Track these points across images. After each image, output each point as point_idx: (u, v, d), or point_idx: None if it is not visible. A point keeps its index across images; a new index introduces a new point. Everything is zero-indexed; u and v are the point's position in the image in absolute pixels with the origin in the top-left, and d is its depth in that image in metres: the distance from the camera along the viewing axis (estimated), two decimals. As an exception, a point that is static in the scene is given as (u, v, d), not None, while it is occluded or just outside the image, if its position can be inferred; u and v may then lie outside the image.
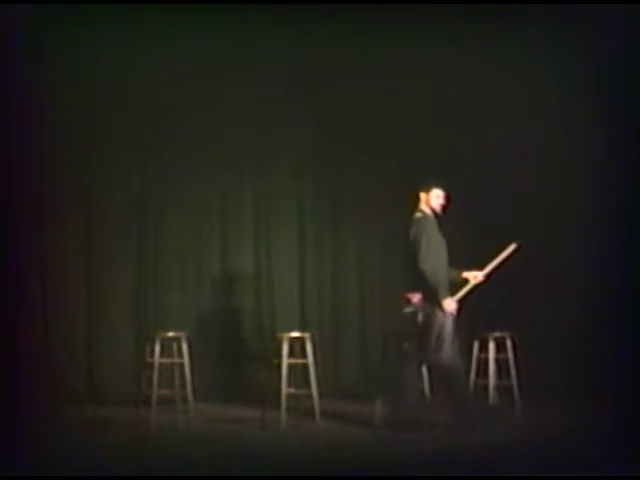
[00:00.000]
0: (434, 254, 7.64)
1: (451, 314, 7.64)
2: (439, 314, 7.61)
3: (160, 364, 8.02)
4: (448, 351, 7.61)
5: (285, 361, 8.00)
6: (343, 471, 6.30)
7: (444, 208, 7.84)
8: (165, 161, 9.83)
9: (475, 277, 7.85)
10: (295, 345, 8.35)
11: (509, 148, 9.85)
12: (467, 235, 9.37)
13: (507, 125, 9.79)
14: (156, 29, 9.21)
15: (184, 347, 8.15)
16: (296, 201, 10.18)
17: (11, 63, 8.83)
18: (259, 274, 10.07)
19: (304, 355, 8.17)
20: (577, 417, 8.13)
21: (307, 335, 8.19)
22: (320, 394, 8.13)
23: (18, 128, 9.07)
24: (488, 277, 7.90)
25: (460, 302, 7.74)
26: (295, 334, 8.24)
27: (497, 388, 8.50)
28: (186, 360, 8.13)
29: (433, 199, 7.80)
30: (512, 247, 7.86)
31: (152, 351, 8.05)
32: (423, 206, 7.83)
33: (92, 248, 9.65)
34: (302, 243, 10.18)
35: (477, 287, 7.87)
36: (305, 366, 8.14)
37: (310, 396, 8.06)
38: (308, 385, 8.09)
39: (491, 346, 8.46)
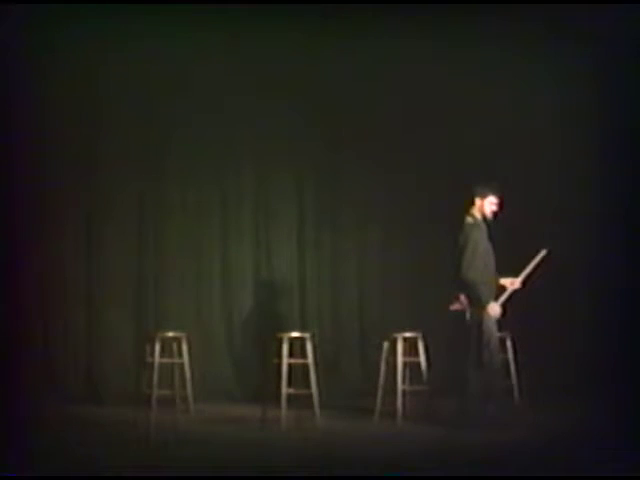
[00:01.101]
0: (479, 262, 7.74)
1: (495, 318, 7.73)
2: (485, 317, 7.70)
3: (160, 364, 8.02)
4: (487, 354, 7.68)
5: (285, 361, 8.00)
6: (343, 471, 6.30)
7: (495, 214, 7.95)
8: (165, 162, 9.83)
9: (512, 283, 7.93)
10: (295, 345, 8.36)
11: (507, 147, 9.88)
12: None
13: (504, 123, 9.83)
14: (156, 29, 9.22)
15: (184, 347, 8.15)
16: (296, 201, 10.17)
17: (12, 63, 8.83)
18: (259, 274, 10.07)
19: (304, 355, 8.17)
20: (577, 417, 8.13)
21: (307, 335, 8.19)
22: (320, 394, 8.13)
23: (19, 128, 9.07)
24: (524, 283, 7.97)
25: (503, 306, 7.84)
26: (295, 334, 8.24)
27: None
28: (186, 360, 8.13)
29: (487, 205, 7.93)
30: (543, 253, 7.93)
31: (152, 351, 8.05)
32: (475, 211, 7.92)
33: (92, 248, 9.65)
34: (302, 243, 10.17)
35: (515, 292, 7.95)
36: (305, 366, 8.14)
37: (310, 396, 8.05)
38: (308, 385, 8.08)
39: (491, 346, 8.45)
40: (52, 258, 9.45)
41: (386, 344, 8.36)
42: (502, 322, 7.98)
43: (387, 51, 9.69)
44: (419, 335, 8.27)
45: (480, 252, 7.76)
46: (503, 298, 7.86)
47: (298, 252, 10.16)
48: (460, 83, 9.77)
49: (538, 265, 7.95)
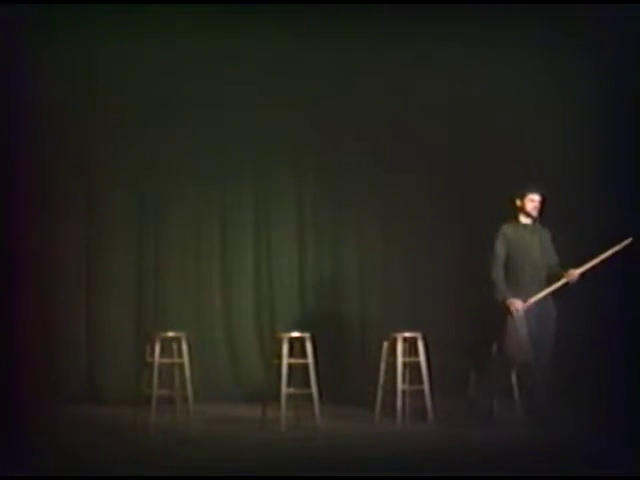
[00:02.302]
0: (496, 261, 7.95)
1: (517, 315, 7.81)
2: (509, 315, 7.82)
3: (160, 364, 8.02)
4: (510, 349, 7.79)
5: (285, 361, 8.00)
6: (343, 471, 6.29)
7: (540, 211, 8.11)
8: (165, 161, 9.84)
9: (569, 275, 8.02)
10: (295, 345, 8.35)
11: (507, 147, 9.88)
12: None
13: (504, 122, 9.84)
14: (156, 29, 9.22)
15: (184, 347, 8.14)
16: (296, 201, 10.17)
17: (11, 63, 8.82)
18: (259, 274, 10.07)
19: (304, 355, 8.17)
20: (578, 417, 8.12)
21: (307, 335, 8.19)
22: (320, 394, 8.12)
23: (18, 128, 9.06)
24: (583, 275, 8.07)
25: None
26: (295, 334, 8.23)
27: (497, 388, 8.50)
28: (186, 360, 8.13)
29: (528, 204, 8.09)
30: (626, 242, 8.05)
31: (152, 351, 8.05)
32: (519, 213, 8.10)
33: (92, 248, 9.66)
34: (302, 243, 10.17)
35: (567, 285, 8.03)
36: (305, 366, 8.14)
37: (310, 396, 8.05)
38: (308, 385, 8.08)
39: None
40: (52, 257, 9.45)
41: (386, 344, 8.36)
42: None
43: (388, 50, 9.69)
44: (419, 335, 8.27)
45: (498, 251, 7.95)
46: (534, 298, 7.89)
47: (298, 252, 10.16)
48: (460, 82, 9.77)
49: (611, 255, 8.05)
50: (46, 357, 9.38)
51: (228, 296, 9.99)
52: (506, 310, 7.81)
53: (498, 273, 7.92)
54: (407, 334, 8.27)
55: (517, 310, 7.80)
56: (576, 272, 8.00)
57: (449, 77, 9.79)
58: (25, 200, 9.19)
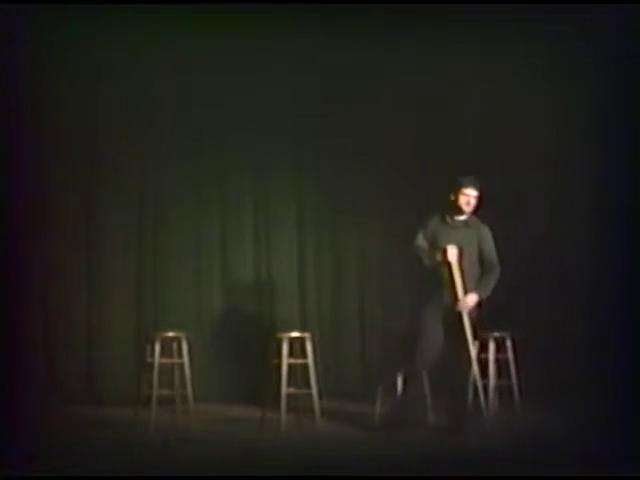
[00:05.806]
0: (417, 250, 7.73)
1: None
2: None
3: (160, 364, 8.02)
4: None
5: (285, 361, 8.00)
6: (343, 471, 6.30)
7: (477, 207, 7.75)
8: (165, 161, 9.84)
9: (463, 304, 7.68)
10: (295, 345, 8.35)
11: (507, 146, 9.89)
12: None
13: (504, 122, 9.85)
14: (157, 29, 9.22)
15: (184, 347, 8.15)
16: (296, 202, 10.18)
17: (12, 63, 8.83)
18: (259, 274, 10.07)
19: (304, 355, 8.17)
20: (577, 417, 8.12)
21: (307, 335, 8.19)
22: (320, 394, 8.13)
23: (18, 128, 9.07)
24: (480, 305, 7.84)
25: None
26: (295, 334, 8.24)
27: (497, 388, 8.51)
28: (186, 360, 8.13)
29: (460, 198, 7.70)
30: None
31: (152, 351, 8.06)
32: (453, 208, 7.74)
33: (92, 248, 9.66)
34: (302, 243, 10.18)
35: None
36: (305, 366, 8.14)
37: (310, 396, 8.05)
38: (308, 385, 8.08)
39: (491, 346, 8.46)
40: (52, 258, 9.45)
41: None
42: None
43: (388, 50, 9.69)
44: (419, 335, 8.25)
45: (419, 243, 7.73)
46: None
47: (298, 252, 10.16)
48: (459, 82, 9.78)
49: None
50: (46, 357, 9.40)
51: (228, 296, 10.00)
52: (443, 258, 7.51)
53: (417, 247, 7.65)
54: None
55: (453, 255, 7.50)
56: (469, 300, 7.62)
57: (449, 78, 9.79)
58: (25, 200, 9.21)
